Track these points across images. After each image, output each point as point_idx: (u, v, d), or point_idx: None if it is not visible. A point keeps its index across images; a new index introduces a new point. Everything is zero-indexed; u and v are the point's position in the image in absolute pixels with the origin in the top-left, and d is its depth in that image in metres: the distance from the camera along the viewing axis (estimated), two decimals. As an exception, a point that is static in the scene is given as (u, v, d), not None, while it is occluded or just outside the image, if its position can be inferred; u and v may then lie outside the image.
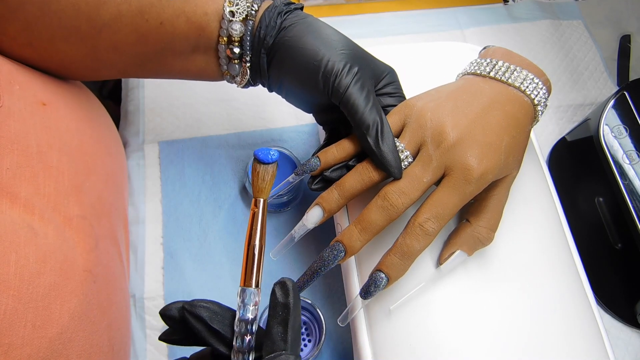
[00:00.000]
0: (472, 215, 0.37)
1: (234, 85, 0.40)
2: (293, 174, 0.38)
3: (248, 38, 0.36)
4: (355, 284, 0.39)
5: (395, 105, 0.38)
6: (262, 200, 0.32)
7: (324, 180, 0.37)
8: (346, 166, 0.37)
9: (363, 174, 0.35)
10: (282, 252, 0.38)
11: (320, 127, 0.45)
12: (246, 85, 0.40)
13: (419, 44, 0.51)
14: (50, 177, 0.32)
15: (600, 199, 0.49)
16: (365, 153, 0.36)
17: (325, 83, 0.35)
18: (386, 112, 0.38)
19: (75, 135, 0.37)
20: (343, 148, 0.37)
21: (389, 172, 0.34)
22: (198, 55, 0.38)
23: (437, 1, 0.68)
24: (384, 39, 0.64)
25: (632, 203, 0.44)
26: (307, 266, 0.44)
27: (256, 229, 0.31)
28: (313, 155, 0.38)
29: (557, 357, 0.36)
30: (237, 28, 0.36)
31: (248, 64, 0.38)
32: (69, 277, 0.30)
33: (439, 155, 0.34)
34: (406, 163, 0.35)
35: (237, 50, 0.37)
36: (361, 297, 0.34)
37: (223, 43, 0.37)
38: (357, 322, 0.38)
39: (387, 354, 0.36)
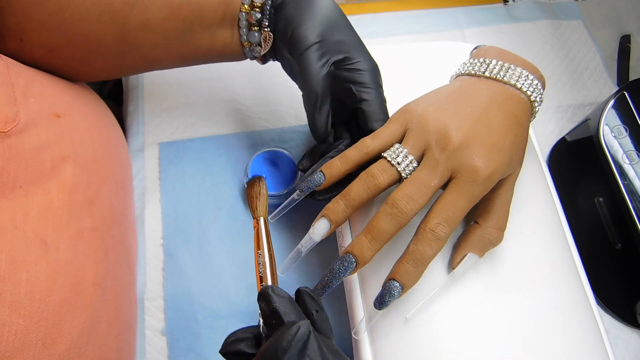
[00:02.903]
0: (480, 217, 0.37)
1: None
2: (297, 191, 0.37)
3: (269, 2, 0.38)
4: (357, 292, 0.39)
5: (365, 100, 0.38)
6: (260, 219, 0.34)
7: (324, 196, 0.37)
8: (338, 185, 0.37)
9: (368, 182, 0.35)
10: (290, 267, 0.36)
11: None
12: (266, 58, 0.41)
13: (419, 44, 0.51)
14: (64, 190, 0.32)
15: (600, 199, 0.49)
16: (368, 160, 0.36)
17: (294, 43, 0.37)
18: (366, 106, 0.38)
19: (88, 146, 0.37)
20: (347, 160, 0.36)
21: (315, 134, 0.38)
22: (224, 29, 0.39)
23: (437, 1, 0.68)
24: (383, 39, 0.64)
25: (632, 203, 0.44)
26: (314, 279, 0.44)
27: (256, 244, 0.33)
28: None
29: (557, 357, 0.36)
30: None
31: (268, 29, 0.38)
32: (79, 292, 0.31)
33: (445, 159, 0.34)
34: (411, 168, 0.35)
35: (258, 14, 0.38)
36: (375, 307, 0.33)
37: (244, 10, 0.38)
38: (357, 322, 0.38)
39: (387, 354, 0.36)
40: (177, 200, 0.51)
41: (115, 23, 0.35)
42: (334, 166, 0.36)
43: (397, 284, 0.33)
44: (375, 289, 0.38)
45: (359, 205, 0.35)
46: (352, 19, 0.65)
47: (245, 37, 0.39)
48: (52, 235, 0.30)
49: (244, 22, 0.38)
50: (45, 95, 0.34)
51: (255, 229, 0.33)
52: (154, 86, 0.57)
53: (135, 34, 0.37)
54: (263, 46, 0.39)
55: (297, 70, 0.39)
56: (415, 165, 0.35)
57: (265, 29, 0.38)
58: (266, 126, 0.56)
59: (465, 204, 0.33)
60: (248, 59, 0.42)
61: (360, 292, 0.39)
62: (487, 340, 0.35)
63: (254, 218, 0.34)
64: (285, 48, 0.39)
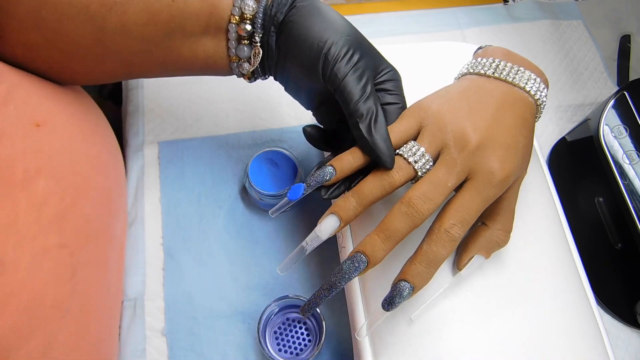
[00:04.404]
0: (487, 219, 0.36)
1: (241, 80, 0.39)
2: (305, 185, 0.35)
3: (260, 15, 0.36)
4: (357, 292, 0.39)
5: (393, 104, 0.37)
6: None
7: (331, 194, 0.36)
8: (345, 185, 0.36)
9: (383, 179, 0.33)
10: (291, 266, 0.35)
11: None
12: (254, 76, 0.39)
13: (419, 44, 0.51)
14: (33, 205, 0.31)
15: (600, 199, 0.49)
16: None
17: (324, 66, 0.35)
18: (383, 110, 0.37)
19: (68, 157, 0.35)
20: (360, 155, 0.35)
21: (380, 160, 0.33)
22: (207, 38, 0.37)
23: (437, 1, 0.68)
24: (384, 39, 0.63)
25: (632, 203, 0.44)
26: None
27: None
28: (319, 165, 0.36)
29: (557, 357, 0.36)
30: (250, 4, 0.35)
31: (259, 44, 0.37)
32: (33, 316, 0.29)
33: (463, 159, 0.33)
34: (427, 167, 0.34)
35: (248, 27, 0.36)
36: (384, 308, 0.32)
37: (234, 22, 0.36)
38: (357, 321, 0.38)
39: (387, 354, 0.36)
40: (177, 200, 0.51)
41: (92, 25, 0.34)
42: (346, 160, 0.35)
43: (408, 285, 0.32)
44: (376, 289, 0.38)
45: (371, 203, 0.34)
46: (352, 18, 0.65)
47: (234, 50, 0.37)
48: (12, 253, 0.28)
49: (233, 34, 0.36)
50: (27, 103, 0.33)
51: None
52: (154, 86, 0.57)
53: (114, 37, 0.35)
54: (252, 62, 0.37)
55: (316, 91, 0.38)
56: (431, 164, 0.34)
57: (256, 44, 0.36)
58: (266, 126, 0.56)
59: (480, 205, 0.33)
60: (235, 76, 0.40)
61: (360, 292, 0.39)
62: (487, 340, 0.35)
63: None
64: (299, 68, 0.37)
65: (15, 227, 0.29)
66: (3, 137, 0.29)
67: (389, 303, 0.32)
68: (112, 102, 0.65)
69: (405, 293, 0.32)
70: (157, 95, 0.57)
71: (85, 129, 0.39)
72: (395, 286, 0.32)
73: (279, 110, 0.56)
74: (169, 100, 0.57)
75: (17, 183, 0.30)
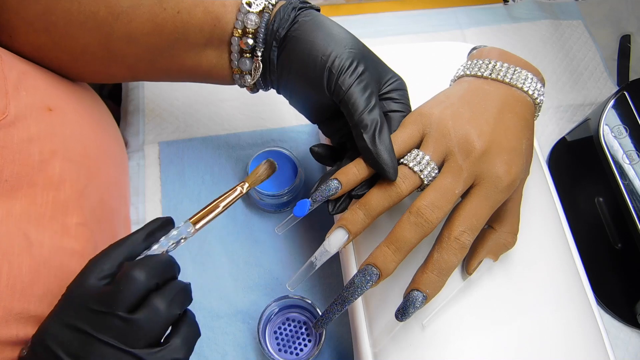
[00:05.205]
0: (494, 222, 0.36)
1: (244, 89, 0.40)
2: (311, 201, 0.34)
3: (262, 30, 0.36)
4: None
5: (399, 112, 0.37)
6: (246, 185, 0.38)
7: (348, 198, 0.35)
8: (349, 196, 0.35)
9: (390, 190, 0.33)
10: (301, 282, 0.34)
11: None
12: (256, 87, 0.40)
13: (419, 44, 0.51)
14: (51, 185, 0.32)
15: (600, 199, 0.49)
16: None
17: (329, 79, 0.35)
18: (389, 117, 0.37)
19: (79, 141, 0.37)
20: (364, 166, 0.34)
21: (384, 172, 0.33)
22: (210, 49, 0.38)
23: (437, 1, 0.68)
24: (384, 39, 0.64)
25: (632, 203, 0.44)
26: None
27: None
28: (322, 178, 0.36)
29: (557, 357, 0.36)
30: (252, 19, 0.36)
31: (260, 58, 0.37)
32: (64, 285, 0.30)
33: (469, 166, 0.33)
34: (433, 175, 0.34)
35: (250, 41, 0.36)
36: (397, 319, 0.32)
37: (237, 35, 0.36)
38: (357, 322, 0.38)
39: (387, 354, 0.36)
40: (177, 200, 0.51)
41: (99, 31, 0.36)
42: (351, 173, 0.34)
43: (421, 294, 0.32)
44: (376, 288, 0.38)
45: (378, 214, 0.33)
46: (352, 19, 0.66)
47: (236, 62, 0.38)
48: (35, 230, 0.30)
49: (235, 47, 0.37)
50: (37, 89, 0.34)
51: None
52: (154, 86, 0.57)
53: (120, 44, 0.36)
54: (253, 75, 0.38)
55: (317, 103, 0.38)
56: (437, 172, 0.34)
57: (257, 58, 0.37)
58: (266, 126, 0.56)
59: (488, 211, 0.33)
60: (237, 86, 0.40)
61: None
62: (487, 339, 0.35)
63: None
64: (303, 82, 0.37)
65: (34, 207, 0.31)
66: (17, 122, 0.31)
67: (403, 313, 0.32)
68: (112, 102, 0.65)
69: (418, 302, 0.31)
70: (157, 95, 0.57)
71: (92, 118, 0.41)
72: (408, 296, 0.32)
73: (279, 110, 0.56)
74: (169, 100, 0.57)
75: (35, 164, 0.31)
